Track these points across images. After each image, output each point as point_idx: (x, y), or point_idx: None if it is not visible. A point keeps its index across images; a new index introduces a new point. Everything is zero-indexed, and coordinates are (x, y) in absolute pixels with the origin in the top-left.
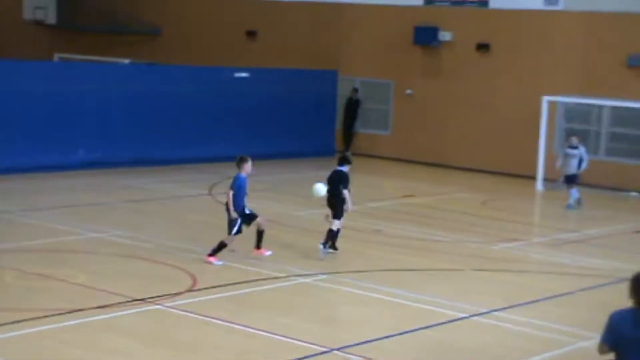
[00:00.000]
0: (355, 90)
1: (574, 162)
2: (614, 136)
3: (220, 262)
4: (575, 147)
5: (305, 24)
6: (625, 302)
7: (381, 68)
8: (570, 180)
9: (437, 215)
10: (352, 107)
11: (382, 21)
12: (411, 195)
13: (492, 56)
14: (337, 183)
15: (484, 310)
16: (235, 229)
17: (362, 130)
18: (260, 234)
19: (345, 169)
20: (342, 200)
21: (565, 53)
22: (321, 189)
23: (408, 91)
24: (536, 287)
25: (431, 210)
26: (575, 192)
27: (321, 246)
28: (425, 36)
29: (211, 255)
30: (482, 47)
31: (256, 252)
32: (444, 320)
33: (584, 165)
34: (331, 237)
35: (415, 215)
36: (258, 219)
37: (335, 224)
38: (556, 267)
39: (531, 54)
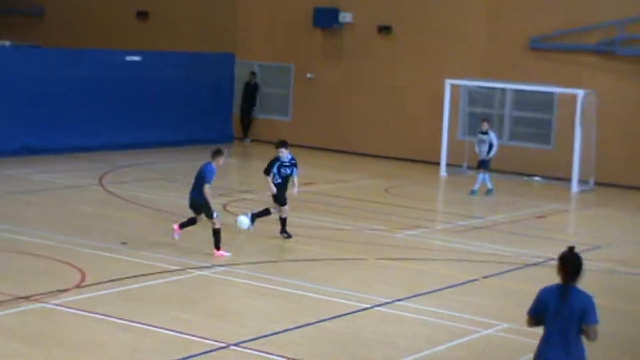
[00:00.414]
0: (253, 74)
1: (484, 148)
2: (517, 120)
3: (228, 254)
4: (485, 133)
5: (200, 4)
6: (529, 287)
7: (280, 51)
8: (480, 165)
9: (340, 203)
10: (250, 92)
11: (281, 2)
12: (312, 183)
13: (394, 38)
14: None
15: (387, 300)
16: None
17: (260, 115)
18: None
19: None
20: (286, 186)
21: (468, 36)
22: (244, 222)
23: (308, 75)
24: (440, 275)
25: (333, 198)
26: (481, 178)
27: (285, 234)
28: (326, 18)
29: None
30: (384, 29)
31: (216, 253)
32: (346, 311)
33: (493, 150)
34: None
35: (317, 204)
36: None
37: (285, 210)
38: (460, 254)
39: (434, 37)
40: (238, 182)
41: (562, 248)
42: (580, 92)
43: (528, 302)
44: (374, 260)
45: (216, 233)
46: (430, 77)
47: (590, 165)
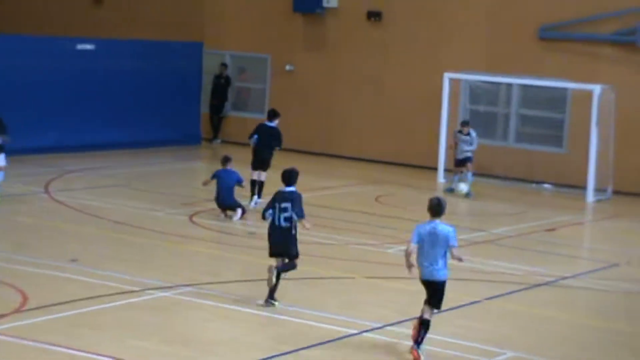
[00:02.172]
0: (224, 66)
1: (465, 147)
2: (525, 119)
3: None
4: (467, 134)
5: None
6: (537, 311)
7: (255, 40)
8: (461, 164)
9: (323, 213)
10: (221, 86)
11: None
12: None
13: (385, 26)
14: (270, 138)
15: (377, 324)
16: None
17: (233, 113)
18: None
19: (274, 124)
20: (272, 155)
21: (470, 23)
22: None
23: (288, 67)
24: None
25: (315, 209)
26: (470, 178)
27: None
28: (308, 2)
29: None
30: (374, 15)
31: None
32: (330, 337)
33: (474, 146)
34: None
35: None
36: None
37: (264, 175)
38: (460, 272)
39: (431, 24)
40: (205, 189)
41: (575, 267)
42: (596, 88)
43: (536, 327)
44: (363, 280)
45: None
46: (427, 70)
47: (607, 172)
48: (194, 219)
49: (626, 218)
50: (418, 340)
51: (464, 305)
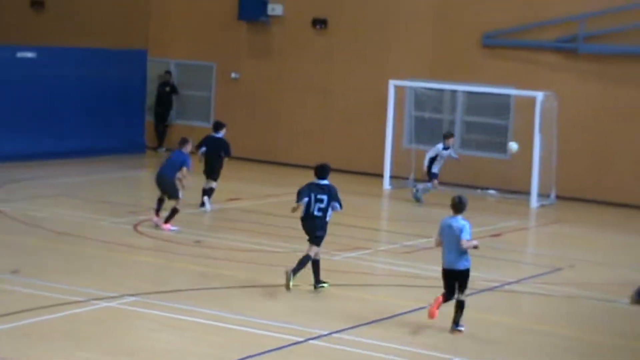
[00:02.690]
0: (169, 73)
1: (440, 164)
2: (469, 126)
3: (176, 228)
4: (447, 148)
5: None
6: (483, 316)
7: (200, 47)
8: (432, 177)
9: (268, 221)
10: (166, 94)
11: None
12: (237, 199)
13: (330, 33)
14: (218, 148)
15: (323, 332)
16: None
17: (178, 121)
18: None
19: (221, 135)
20: (221, 165)
21: (415, 31)
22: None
23: (233, 75)
24: (383, 303)
25: (261, 216)
26: (423, 184)
27: (207, 205)
28: (252, 10)
29: (166, 222)
30: (319, 23)
31: (164, 225)
32: (276, 345)
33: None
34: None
35: (242, 222)
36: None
37: (215, 184)
38: (406, 278)
39: (376, 32)
40: (150, 198)
41: (520, 271)
42: (539, 95)
43: (481, 333)
44: (308, 287)
45: (175, 211)
46: (372, 78)
47: (550, 177)
48: (139, 228)
49: (569, 223)
50: (457, 321)
51: (409, 312)
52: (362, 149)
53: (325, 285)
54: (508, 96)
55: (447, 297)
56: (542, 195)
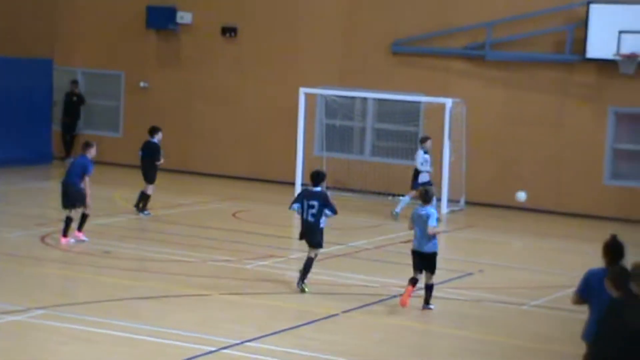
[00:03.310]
0: (75, 83)
1: (428, 168)
2: (380, 133)
3: (87, 238)
4: (427, 152)
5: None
6: (395, 321)
7: (108, 56)
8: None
9: (179, 231)
10: (73, 104)
11: None
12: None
13: (240, 41)
14: (151, 153)
15: (235, 341)
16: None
17: (86, 131)
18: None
19: (156, 139)
20: (155, 168)
21: (324, 39)
22: (521, 196)
23: (142, 84)
24: (296, 310)
25: (171, 226)
26: (407, 200)
27: (141, 213)
28: (161, 18)
29: (79, 230)
30: (229, 31)
31: (77, 233)
32: (188, 355)
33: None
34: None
35: (153, 232)
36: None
37: (150, 188)
38: (318, 286)
39: (286, 40)
40: (58, 209)
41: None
42: (448, 101)
43: (393, 338)
44: (220, 296)
45: (85, 217)
46: (283, 86)
47: (460, 183)
48: (47, 239)
49: (479, 228)
50: (427, 301)
51: (322, 319)
52: (274, 157)
53: (306, 289)
54: (418, 103)
55: (414, 282)
56: (452, 201)
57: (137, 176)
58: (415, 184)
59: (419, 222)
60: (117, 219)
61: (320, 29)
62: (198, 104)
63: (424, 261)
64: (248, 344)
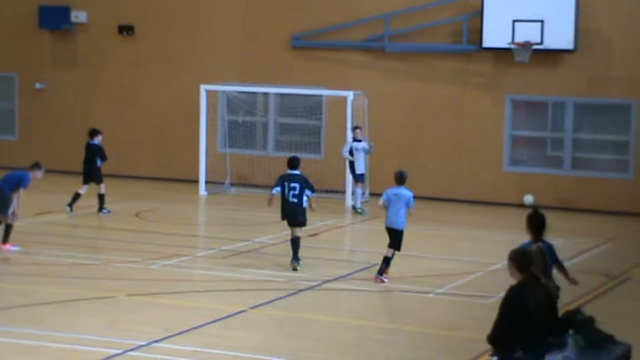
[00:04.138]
0: None
1: (361, 157)
2: (283, 128)
3: (17, 247)
4: (359, 140)
5: None
6: (303, 315)
7: (0, 58)
8: (358, 179)
9: (81, 233)
10: None
11: None
12: (47, 213)
13: (138, 40)
14: (92, 154)
15: (142, 342)
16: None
17: None
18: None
19: (97, 141)
20: (96, 169)
21: (224, 35)
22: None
23: (38, 85)
24: (203, 309)
25: (73, 229)
26: (361, 194)
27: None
28: (54, 18)
29: (5, 243)
30: (126, 30)
31: (3, 247)
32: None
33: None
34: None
35: (54, 236)
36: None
37: (103, 187)
38: (225, 283)
39: (184, 37)
40: None
41: (337, 269)
42: (349, 94)
43: (301, 332)
44: (126, 298)
45: (9, 227)
46: (183, 83)
47: (366, 174)
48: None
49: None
50: (380, 271)
51: (228, 316)
52: (176, 155)
53: (298, 268)
54: (320, 96)
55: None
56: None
57: (36, 180)
58: (354, 174)
59: (396, 202)
60: (15, 224)
61: (219, 25)
62: (98, 104)
63: (394, 238)
64: (155, 344)
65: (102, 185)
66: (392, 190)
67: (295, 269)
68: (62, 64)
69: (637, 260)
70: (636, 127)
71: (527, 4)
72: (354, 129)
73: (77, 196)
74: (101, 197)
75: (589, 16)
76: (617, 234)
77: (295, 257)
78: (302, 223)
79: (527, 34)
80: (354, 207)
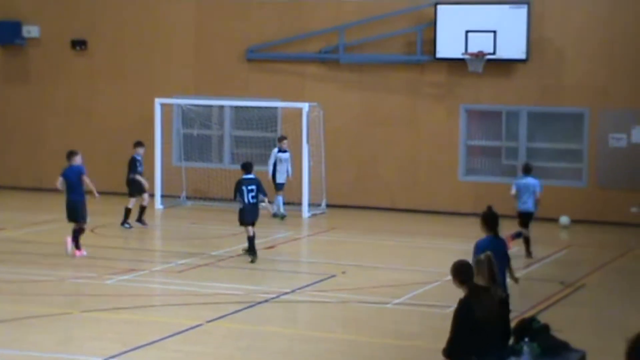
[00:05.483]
0: None
1: (284, 168)
2: (239, 140)
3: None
4: (284, 151)
5: None
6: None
7: None
8: (278, 188)
9: (33, 250)
10: None
11: None
12: (1, 229)
13: (91, 54)
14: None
15: (98, 358)
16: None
17: None
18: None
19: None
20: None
21: (177, 48)
22: (564, 220)
23: None
24: (160, 323)
25: (26, 245)
26: (281, 201)
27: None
28: (5, 33)
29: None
30: (78, 44)
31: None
32: None
33: (291, 171)
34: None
35: (4, 254)
36: None
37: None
38: (182, 297)
39: (138, 50)
40: None
41: (295, 281)
42: (305, 106)
43: (259, 345)
44: (81, 314)
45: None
46: (137, 97)
47: (320, 187)
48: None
49: (340, 230)
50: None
51: (185, 330)
52: None
53: (252, 260)
54: (275, 109)
55: None
56: (313, 204)
57: None
58: (275, 183)
59: (525, 189)
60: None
61: (172, 38)
62: (50, 119)
63: (524, 219)
64: None
65: (132, 200)
66: (521, 181)
67: (253, 262)
68: (13, 79)
69: (592, 267)
70: (589, 135)
71: (479, 15)
72: (280, 139)
73: (127, 211)
74: (127, 211)
75: (540, 26)
76: (572, 241)
77: (254, 252)
78: (256, 220)
79: (480, 44)
80: (275, 215)
